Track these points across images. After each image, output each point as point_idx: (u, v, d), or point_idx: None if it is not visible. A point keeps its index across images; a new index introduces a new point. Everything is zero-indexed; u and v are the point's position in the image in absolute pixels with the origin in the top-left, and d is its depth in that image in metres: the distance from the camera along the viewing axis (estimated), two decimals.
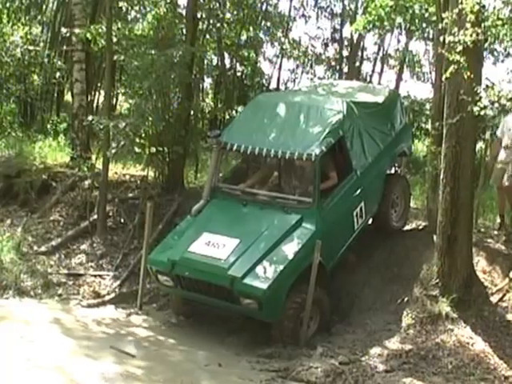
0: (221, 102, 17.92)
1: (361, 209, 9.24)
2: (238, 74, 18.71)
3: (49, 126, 16.86)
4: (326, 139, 8.77)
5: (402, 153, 10.73)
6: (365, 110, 9.64)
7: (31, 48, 17.45)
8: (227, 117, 16.57)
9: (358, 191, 9.22)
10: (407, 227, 10.81)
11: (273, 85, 20.05)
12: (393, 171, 11.02)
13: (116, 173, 13.01)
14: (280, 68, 20.33)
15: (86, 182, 12.62)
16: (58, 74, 18.12)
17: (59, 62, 17.88)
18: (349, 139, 9.17)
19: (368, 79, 20.16)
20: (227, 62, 17.59)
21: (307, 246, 8.38)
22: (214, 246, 8.35)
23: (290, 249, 8.33)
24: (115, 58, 12.81)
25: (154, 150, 12.10)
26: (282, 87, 20.00)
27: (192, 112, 13.31)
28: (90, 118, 11.97)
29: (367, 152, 9.51)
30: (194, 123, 13.85)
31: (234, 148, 9.10)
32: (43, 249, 11.42)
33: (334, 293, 9.36)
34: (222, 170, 10.12)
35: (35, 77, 18.26)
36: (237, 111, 13.25)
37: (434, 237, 9.12)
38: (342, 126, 9.06)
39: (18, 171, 13.26)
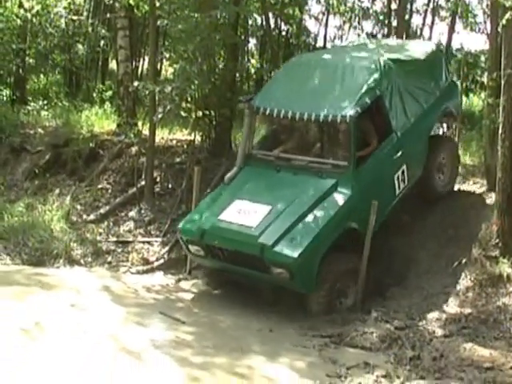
0: (266, 62, 17.60)
1: (402, 172, 8.77)
2: (283, 33, 18.36)
3: (95, 95, 16.82)
4: (362, 99, 8.34)
5: (449, 113, 10.10)
6: (405, 68, 9.14)
7: (75, 18, 17.35)
8: None
9: (399, 154, 8.74)
10: (463, 186, 10.42)
11: (319, 43, 19.60)
12: (440, 132, 10.55)
13: (163, 138, 12.89)
14: (326, 25, 19.85)
15: (133, 149, 12.54)
16: (102, 42, 18.09)
17: (103, 30, 17.79)
18: (387, 99, 8.71)
19: (418, 33, 19.53)
20: (272, 21, 17.19)
21: (342, 211, 8.01)
22: (244, 214, 8.03)
23: (324, 215, 7.92)
24: (159, 22, 12.66)
25: (200, 113, 11.96)
26: (329, 45, 19.52)
27: (238, 74, 13.02)
28: (135, 83, 11.84)
29: (408, 112, 9.02)
30: (240, 85, 13.61)
31: (267, 112, 8.72)
32: (92, 217, 11.41)
33: (387, 256, 9.09)
34: (257, 135, 9.76)
35: (80, 46, 18.24)
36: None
37: (493, 194, 8.73)
38: (379, 85, 8.62)
39: (66, 140, 13.28)
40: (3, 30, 16.64)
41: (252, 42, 18.77)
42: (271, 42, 16.17)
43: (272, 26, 17.25)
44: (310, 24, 19.80)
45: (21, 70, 17.11)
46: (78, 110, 15.07)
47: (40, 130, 13.97)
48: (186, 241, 8.46)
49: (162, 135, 12.99)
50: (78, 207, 11.69)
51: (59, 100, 16.38)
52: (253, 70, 17.12)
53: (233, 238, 7.88)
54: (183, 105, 11.85)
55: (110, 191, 12.03)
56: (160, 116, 11.48)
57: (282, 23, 18.11)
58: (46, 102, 15.62)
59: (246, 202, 8.19)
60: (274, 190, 8.36)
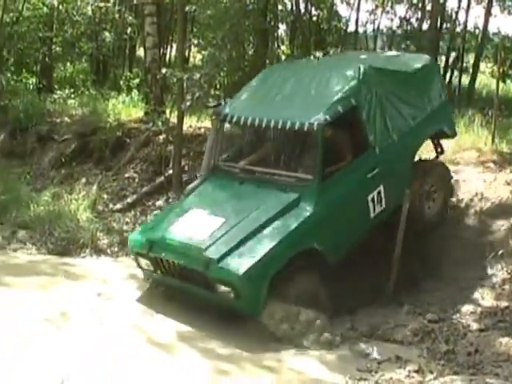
0: (297, 48, 17.33)
1: (379, 193, 7.85)
2: (314, 18, 18.05)
3: (122, 82, 16.70)
4: (333, 107, 7.54)
5: (441, 133, 9.08)
6: (390, 79, 8.27)
7: (101, 5, 17.26)
8: None
9: (375, 171, 7.84)
10: (500, 174, 10.11)
11: (351, 27, 19.25)
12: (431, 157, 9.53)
13: (191, 126, 12.71)
14: (358, 10, 19.42)
15: (161, 137, 12.41)
16: (129, 30, 17.96)
17: (130, 17, 17.68)
18: (365, 110, 7.83)
19: (453, 16, 19.05)
20: (302, 6, 16.93)
21: (301, 228, 7.20)
22: (196, 226, 7.35)
23: (280, 231, 7.13)
24: (187, 8, 12.52)
25: None
26: (361, 30, 19.20)
27: (267, 60, 12.82)
28: (163, 71, 11.72)
29: (390, 127, 8.10)
30: None
31: (234, 119, 8.06)
32: (118, 206, 11.32)
33: (420, 247, 8.81)
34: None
35: (107, 34, 18.13)
36: (315, 57, 12.66)
37: None
38: (355, 94, 7.79)
39: (93, 129, 13.22)
40: (30, 18, 16.67)
41: (282, 27, 18.46)
42: (302, 28, 15.97)
43: (302, 10, 17.02)
44: (342, 8, 19.47)
45: (47, 59, 17.14)
46: (104, 98, 15.02)
47: (67, 118, 13.93)
48: (136, 253, 7.83)
49: (190, 123, 12.80)
50: (105, 196, 11.61)
51: (86, 88, 16.34)
52: (283, 57, 16.87)
53: (180, 251, 7.22)
54: (212, 92, 11.65)
55: (137, 180, 11.92)
56: (188, 104, 11.29)
57: (313, 8, 17.75)
58: (72, 90, 15.63)
59: (201, 213, 7.58)
60: (232, 202, 7.73)
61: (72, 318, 7.32)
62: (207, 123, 12.96)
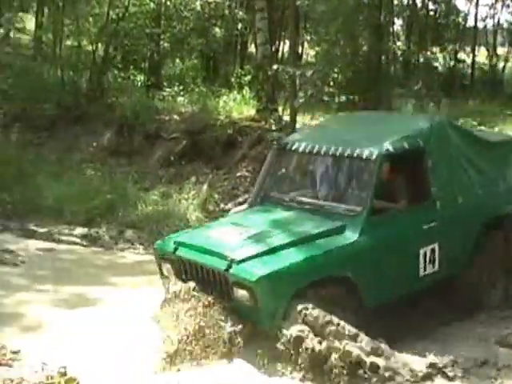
0: (414, 44, 16.67)
1: (432, 251, 7.20)
2: (431, 12, 17.35)
3: (233, 79, 16.44)
4: (398, 142, 7.07)
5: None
6: (466, 140, 7.72)
7: (210, 0, 17.04)
8: (421, 60, 15.31)
9: (432, 224, 7.17)
10: None
11: (470, 22, 18.43)
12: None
13: (304, 124, 12.28)
14: (477, 4, 18.61)
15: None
16: (239, 25, 17.69)
17: (240, 13, 17.41)
18: (432, 158, 7.29)
19: None
20: (418, 0, 16.31)
21: (337, 252, 6.70)
22: (227, 234, 7.05)
23: (314, 250, 6.65)
24: (298, 3, 12.19)
25: (343, 98, 11.30)
26: (480, 24, 18.29)
27: (383, 56, 12.30)
28: (274, 67, 11.36)
29: (457, 190, 7.52)
30: (386, 68, 12.87)
31: (293, 148, 7.60)
32: (230, 206, 10.99)
33: None
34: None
35: (217, 29, 17.89)
36: (432, 52, 12.23)
37: None
38: (424, 137, 7.29)
39: (203, 127, 13.00)
40: (136, 14, 16.60)
41: (398, 22, 17.84)
42: (418, 23, 15.36)
43: (419, 5, 16.43)
44: (460, 2, 18.69)
45: (156, 55, 17.04)
46: (215, 95, 14.82)
47: (175, 116, 13.77)
48: (160, 258, 7.37)
49: (304, 121, 12.39)
50: (215, 196, 11.32)
51: (196, 85, 16.15)
52: (399, 53, 16.25)
53: (204, 251, 6.79)
54: (326, 89, 11.25)
55: (248, 179, 11.57)
56: (301, 101, 10.99)
57: (430, 2, 17.12)
58: (181, 87, 15.43)
59: (235, 227, 7.21)
60: (271, 222, 7.29)
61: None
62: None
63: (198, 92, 15.29)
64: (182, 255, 6.90)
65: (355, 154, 7.05)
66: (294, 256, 6.50)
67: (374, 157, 6.86)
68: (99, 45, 15.89)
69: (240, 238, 6.77)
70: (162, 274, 7.20)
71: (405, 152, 7.04)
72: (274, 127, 12.06)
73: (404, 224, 7.05)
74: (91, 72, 15.38)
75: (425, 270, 7.16)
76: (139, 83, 16.38)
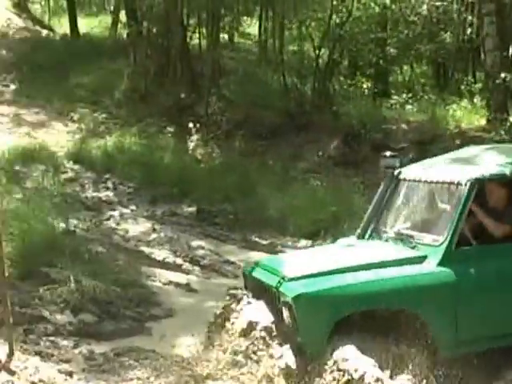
0: None
1: None
2: None
3: (463, 87, 15.67)
4: (497, 168, 6.27)
5: None
6: None
7: (438, 3, 16.28)
8: None
9: None
10: None
11: None
12: None
13: None
14: None
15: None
16: (469, 30, 16.74)
17: (469, 17, 16.48)
18: None
19: None
20: None
21: (404, 282, 5.92)
22: (302, 257, 6.75)
23: (375, 277, 5.92)
24: None
25: None
26: None
27: None
28: (502, 75, 10.58)
29: None
30: None
31: (409, 178, 6.82)
32: None
33: None
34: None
35: (446, 35, 17.05)
36: None
37: None
38: None
39: (431, 137, 12.47)
40: (361, 18, 16.19)
41: None
42: None
43: None
44: None
45: (382, 61, 16.52)
46: (445, 103, 14.14)
47: (403, 125, 13.31)
48: (243, 275, 7.10)
49: None
50: None
51: (425, 93, 15.57)
52: None
53: (272, 271, 6.38)
54: None
55: None
56: None
57: None
58: (410, 95, 14.88)
59: (317, 253, 7.05)
60: (353, 250, 6.75)
61: None
62: None
63: (427, 100, 14.75)
64: (254, 275, 6.61)
65: (448, 182, 6.31)
66: (346, 279, 5.88)
67: (463, 183, 6.09)
68: (322, 50, 15.73)
69: (309, 260, 6.39)
70: (245, 286, 6.96)
71: (506, 179, 6.21)
72: (505, 138, 11.27)
73: (503, 263, 6.09)
74: (315, 78, 15.18)
75: None
76: (365, 90, 16.03)
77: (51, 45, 18.94)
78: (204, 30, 16.54)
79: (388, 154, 7.68)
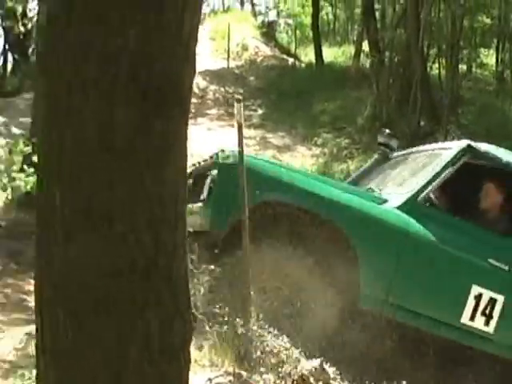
0: None
1: (492, 302, 5.22)
2: None
3: None
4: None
5: None
6: None
7: None
8: None
9: (506, 268, 5.28)
10: None
11: None
12: None
13: None
14: None
15: None
16: None
17: None
18: None
19: None
20: None
21: (344, 199, 5.26)
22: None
23: (328, 185, 5.45)
24: None
25: None
26: None
27: None
28: None
29: None
30: None
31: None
32: None
33: None
34: None
35: None
36: None
37: None
38: None
39: None
40: None
41: None
42: None
43: None
44: None
45: None
46: None
47: None
48: None
49: None
50: None
51: None
52: None
53: None
54: None
55: None
56: None
57: None
58: None
59: None
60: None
61: None
62: None
63: None
64: None
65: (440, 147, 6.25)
66: (292, 174, 5.53)
67: (454, 146, 5.80)
68: None
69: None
70: None
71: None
72: None
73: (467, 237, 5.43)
74: None
75: (471, 319, 5.25)
76: None
77: (297, 73, 20.26)
78: (443, 61, 16.99)
79: (387, 131, 7.18)
